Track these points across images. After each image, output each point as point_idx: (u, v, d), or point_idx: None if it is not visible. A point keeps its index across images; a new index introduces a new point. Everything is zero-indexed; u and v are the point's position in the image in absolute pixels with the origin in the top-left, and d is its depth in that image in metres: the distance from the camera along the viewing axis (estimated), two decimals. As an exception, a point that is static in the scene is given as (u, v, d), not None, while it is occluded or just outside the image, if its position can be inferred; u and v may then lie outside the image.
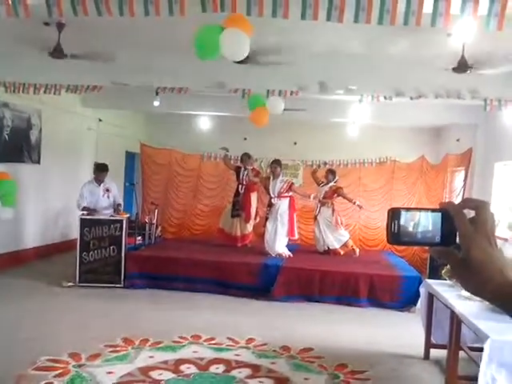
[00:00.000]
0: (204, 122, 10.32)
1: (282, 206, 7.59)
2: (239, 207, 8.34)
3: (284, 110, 7.00)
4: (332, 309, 6.35)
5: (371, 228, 9.67)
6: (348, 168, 9.82)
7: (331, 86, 6.51)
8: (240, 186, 8.42)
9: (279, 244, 7.47)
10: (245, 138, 10.28)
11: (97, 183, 7.25)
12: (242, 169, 8.44)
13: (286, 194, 7.66)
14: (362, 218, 9.70)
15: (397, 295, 6.46)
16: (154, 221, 8.30)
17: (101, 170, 7.25)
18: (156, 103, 7.85)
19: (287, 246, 7.67)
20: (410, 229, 0.97)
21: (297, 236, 7.97)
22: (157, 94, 7.72)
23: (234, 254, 7.50)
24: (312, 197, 7.96)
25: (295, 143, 10.36)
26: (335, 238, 8.13)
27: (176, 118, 10.24)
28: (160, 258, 7.03)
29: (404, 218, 0.97)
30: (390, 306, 6.41)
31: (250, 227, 8.42)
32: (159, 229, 8.91)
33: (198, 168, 10.18)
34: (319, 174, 8.67)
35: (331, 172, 8.43)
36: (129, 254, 7.00)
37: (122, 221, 6.91)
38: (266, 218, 7.66)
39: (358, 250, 8.21)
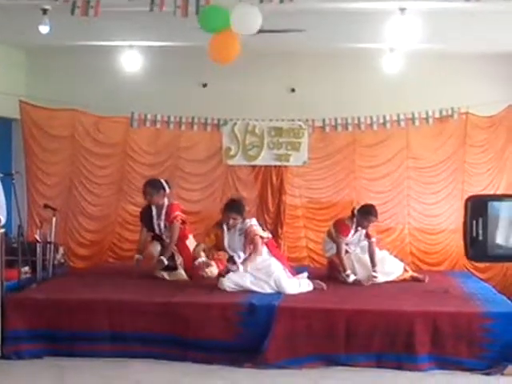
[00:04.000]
0: (131, 59, 10.17)
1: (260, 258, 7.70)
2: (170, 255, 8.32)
3: (268, 31, 6.96)
4: (370, 376, 6.37)
5: (431, 232, 9.80)
6: (387, 130, 9.90)
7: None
8: (164, 237, 8.37)
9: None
10: (204, 85, 10.29)
11: None
12: (154, 210, 8.34)
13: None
14: (415, 215, 9.77)
15: (480, 346, 6.48)
16: (52, 238, 8.21)
17: None
18: (44, 28, 7.73)
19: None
20: (505, 232, 0.96)
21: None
22: (44, 12, 7.63)
23: (197, 289, 7.52)
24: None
25: (293, 90, 10.34)
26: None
27: (82, 54, 10.13)
28: (66, 303, 6.98)
29: (494, 212, 0.96)
30: (468, 365, 6.44)
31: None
32: (61, 252, 8.82)
33: (124, 141, 10.17)
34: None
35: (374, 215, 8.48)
36: (9, 299, 6.94)
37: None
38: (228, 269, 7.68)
39: (409, 273, 8.45)
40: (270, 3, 6.57)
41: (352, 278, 8.08)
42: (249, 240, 7.66)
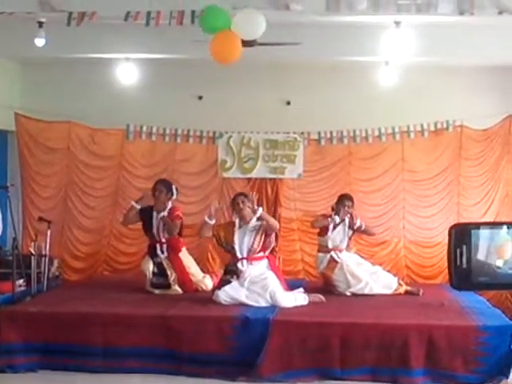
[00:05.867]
0: (127, 71, 10.19)
1: (258, 269, 7.70)
2: (162, 271, 8.34)
3: (264, 44, 6.99)
4: (365, 390, 6.40)
5: (426, 245, 9.82)
6: (382, 143, 9.93)
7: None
8: (157, 246, 8.39)
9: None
10: (200, 97, 10.28)
11: None
12: (155, 212, 8.38)
13: (262, 254, 7.78)
14: (410, 228, 9.80)
15: (474, 360, 6.49)
16: (46, 250, 8.20)
17: None
18: (39, 41, 7.75)
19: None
20: (491, 260, 0.97)
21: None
22: (40, 25, 7.65)
23: (191, 302, 7.54)
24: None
25: (288, 103, 10.36)
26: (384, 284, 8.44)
27: (77, 66, 10.14)
28: (60, 316, 6.99)
29: (478, 241, 0.98)
30: (463, 379, 6.46)
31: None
32: (56, 264, 8.79)
33: (120, 153, 10.18)
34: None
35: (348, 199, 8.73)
36: (4, 312, 6.96)
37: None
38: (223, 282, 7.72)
39: (403, 287, 8.47)
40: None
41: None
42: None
